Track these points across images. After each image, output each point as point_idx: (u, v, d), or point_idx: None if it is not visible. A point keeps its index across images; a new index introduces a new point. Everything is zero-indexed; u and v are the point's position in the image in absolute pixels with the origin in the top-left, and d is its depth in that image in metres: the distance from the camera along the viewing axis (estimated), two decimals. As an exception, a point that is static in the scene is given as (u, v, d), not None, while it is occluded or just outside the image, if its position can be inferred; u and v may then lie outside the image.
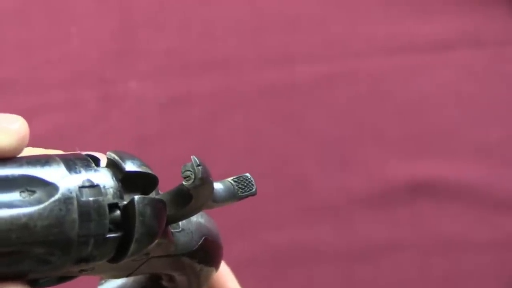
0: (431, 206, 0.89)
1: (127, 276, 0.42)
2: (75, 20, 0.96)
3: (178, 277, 0.46)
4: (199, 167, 0.39)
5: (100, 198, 0.36)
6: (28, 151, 0.37)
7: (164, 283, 0.47)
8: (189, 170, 0.39)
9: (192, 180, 0.39)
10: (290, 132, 0.92)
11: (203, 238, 0.45)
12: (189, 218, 0.42)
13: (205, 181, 0.39)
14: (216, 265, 0.48)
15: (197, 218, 0.45)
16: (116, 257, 0.38)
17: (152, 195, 0.39)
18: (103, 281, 0.50)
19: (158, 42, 0.95)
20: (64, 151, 0.39)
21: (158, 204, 0.38)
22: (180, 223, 0.43)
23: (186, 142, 0.90)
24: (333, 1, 0.96)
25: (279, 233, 0.88)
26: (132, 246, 0.37)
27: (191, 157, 0.39)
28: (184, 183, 0.39)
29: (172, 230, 0.42)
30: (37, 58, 0.94)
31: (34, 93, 0.93)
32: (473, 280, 0.87)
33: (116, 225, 0.37)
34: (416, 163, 0.90)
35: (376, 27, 0.95)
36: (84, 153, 0.38)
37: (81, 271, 0.38)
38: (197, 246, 0.44)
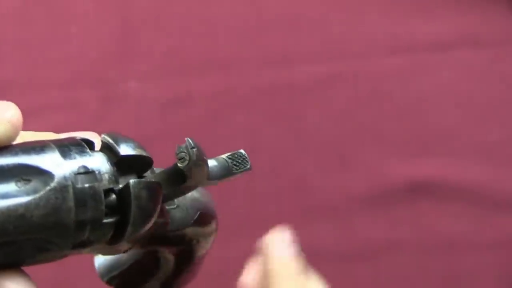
0: (431, 206, 0.89)
1: (123, 253, 0.42)
2: (75, 20, 0.96)
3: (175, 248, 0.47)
4: (193, 149, 0.39)
5: (96, 184, 0.36)
6: (19, 135, 0.37)
7: (160, 254, 0.48)
8: (183, 152, 0.39)
9: (186, 162, 0.39)
10: (290, 132, 0.91)
11: (198, 213, 0.45)
12: None
13: (199, 163, 0.39)
14: (211, 237, 0.48)
15: (192, 193, 0.45)
16: (113, 240, 0.38)
17: (147, 174, 0.40)
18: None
19: (158, 42, 0.95)
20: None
21: (154, 186, 0.38)
22: (175, 199, 0.43)
23: (186, 142, 0.90)
24: (333, 1, 0.96)
25: (278, 232, 0.88)
26: (129, 229, 0.37)
27: (186, 138, 0.39)
28: (178, 164, 0.39)
29: (167, 207, 0.42)
30: (37, 58, 0.94)
31: (34, 93, 0.93)
32: (473, 280, 0.87)
33: (111, 209, 0.37)
34: (416, 163, 0.90)
35: (376, 27, 0.95)
36: (78, 136, 0.38)
37: (79, 252, 0.38)
38: (192, 221, 0.45)
